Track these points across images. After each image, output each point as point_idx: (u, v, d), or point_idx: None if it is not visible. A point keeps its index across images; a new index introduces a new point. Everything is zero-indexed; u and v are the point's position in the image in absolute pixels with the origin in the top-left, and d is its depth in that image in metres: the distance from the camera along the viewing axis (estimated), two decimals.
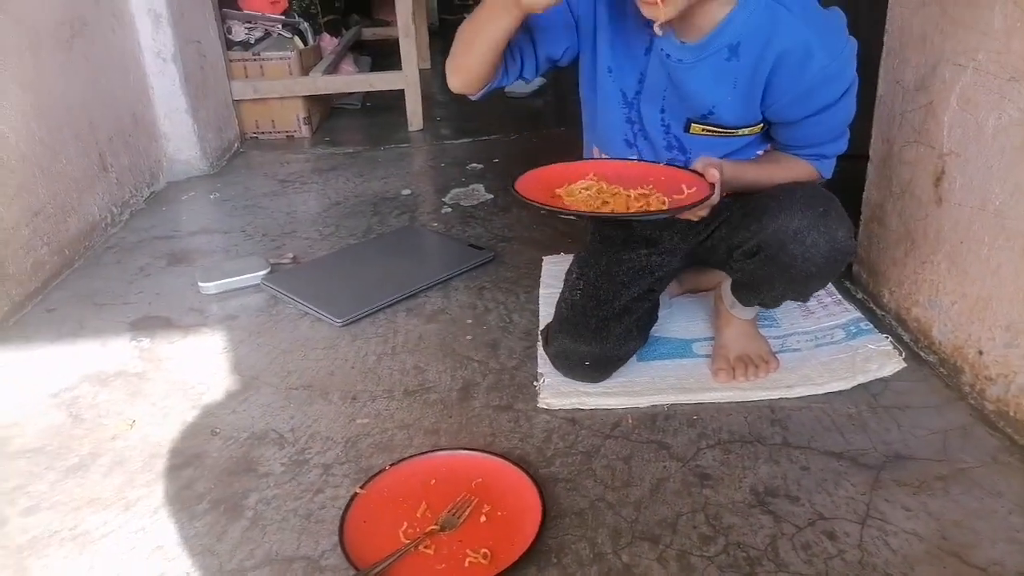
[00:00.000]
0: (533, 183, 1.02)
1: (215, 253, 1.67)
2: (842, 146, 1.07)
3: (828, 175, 1.09)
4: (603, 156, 1.13)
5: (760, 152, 1.10)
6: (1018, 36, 0.91)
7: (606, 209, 0.97)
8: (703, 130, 1.05)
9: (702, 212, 0.99)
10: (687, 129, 1.06)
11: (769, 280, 1.03)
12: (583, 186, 1.02)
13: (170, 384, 1.19)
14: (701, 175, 0.97)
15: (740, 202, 1.07)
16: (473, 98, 1.09)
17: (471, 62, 1.02)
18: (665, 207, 0.96)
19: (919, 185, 1.15)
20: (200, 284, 1.47)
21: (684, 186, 0.98)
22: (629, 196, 0.99)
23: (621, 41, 1.05)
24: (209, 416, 1.11)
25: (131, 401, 1.15)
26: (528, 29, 1.05)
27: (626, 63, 1.06)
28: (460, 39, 1.04)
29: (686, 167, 1.02)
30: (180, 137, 2.12)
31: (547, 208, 0.98)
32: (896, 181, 1.21)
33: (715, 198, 0.96)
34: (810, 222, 0.95)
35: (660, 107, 1.07)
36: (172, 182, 2.11)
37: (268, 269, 1.51)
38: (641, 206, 0.97)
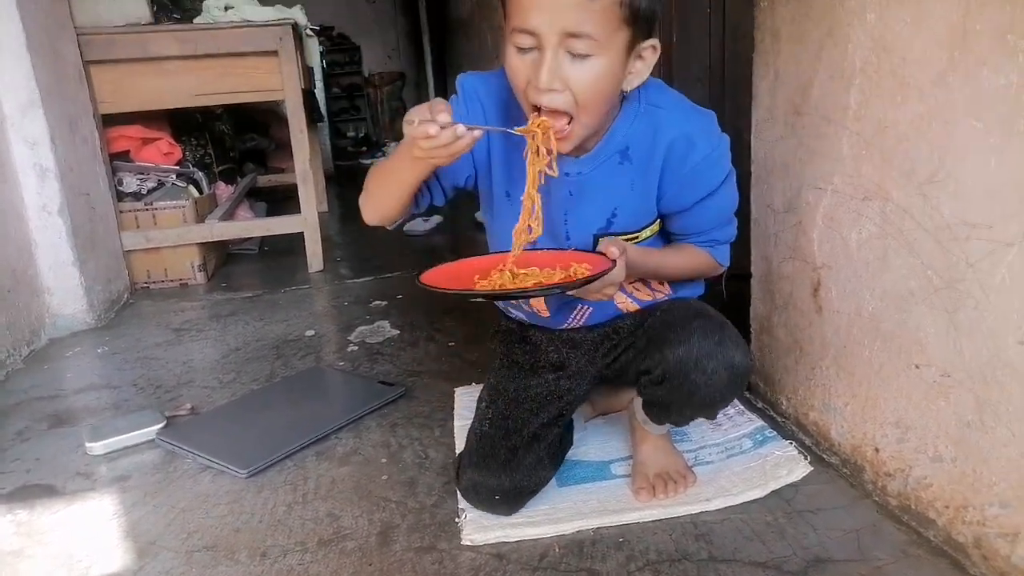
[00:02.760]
0: (442, 277, 1.00)
1: (104, 410, 1.57)
2: (732, 232, 1.14)
3: (725, 262, 1.16)
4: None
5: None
6: (865, 162, 1.04)
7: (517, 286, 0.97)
8: None
9: (609, 291, 1.00)
10: (594, 248, 1.09)
11: (678, 404, 1.07)
12: (497, 275, 1.01)
13: (52, 560, 1.07)
14: (604, 255, 0.99)
15: (644, 328, 1.12)
16: (389, 228, 1.14)
17: (386, 202, 1.07)
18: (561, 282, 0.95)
19: (799, 297, 1.24)
20: (87, 445, 1.37)
21: (587, 266, 0.99)
22: (539, 276, 0.99)
23: (517, 167, 1.07)
24: None
25: None
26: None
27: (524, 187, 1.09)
28: (374, 181, 1.08)
29: (589, 250, 1.05)
30: (65, 291, 2.03)
31: (454, 292, 0.95)
32: (779, 294, 1.31)
33: (617, 274, 0.97)
34: (708, 351, 1.00)
35: (564, 232, 1.10)
36: (55, 338, 2.00)
37: (163, 423, 1.42)
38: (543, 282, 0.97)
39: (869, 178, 1.03)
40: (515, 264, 1.02)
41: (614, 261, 0.96)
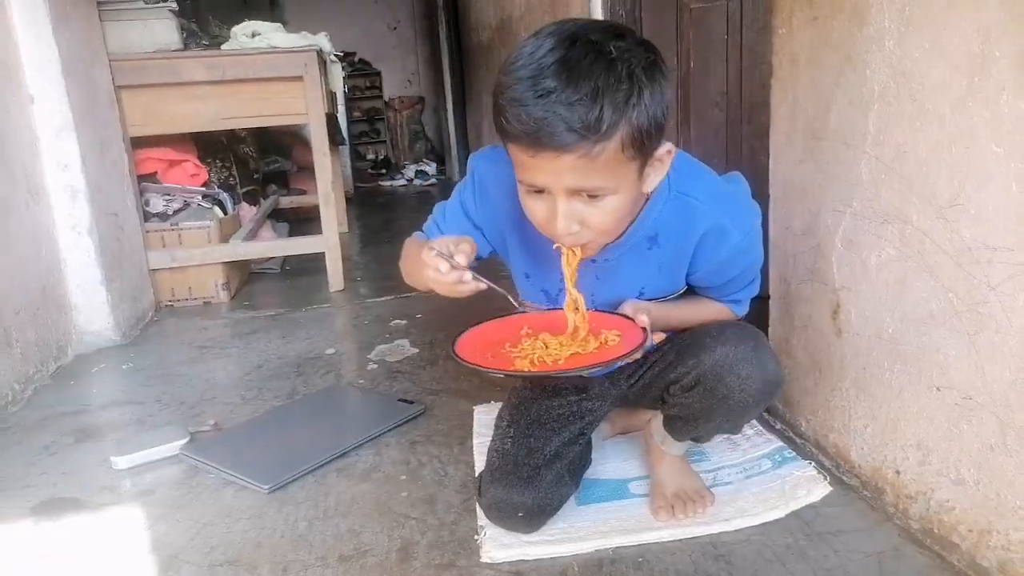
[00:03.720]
0: (473, 344, 1.04)
1: (128, 426, 1.59)
2: (754, 290, 1.16)
3: (742, 313, 1.18)
4: (529, 307, 1.16)
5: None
6: (884, 185, 1.05)
7: (551, 362, 0.99)
8: None
9: (636, 355, 1.01)
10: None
11: (708, 412, 1.07)
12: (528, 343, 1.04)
13: (78, 572, 1.09)
14: (631, 319, 1.01)
15: (672, 343, 1.12)
16: None
17: (416, 280, 1.08)
18: (598, 360, 0.98)
19: (819, 318, 1.24)
20: (112, 459, 1.39)
21: (616, 332, 1.01)
22: (573, 347, 1.01)
23: (535, 248, 1.09)
24: None
25: None
26: None
27: (545, 267, 1.10)
28: (405, 260, 1.14)
29: (615, 312, 1.05)
30: (92, 308, 2.07)
31: (491, 372, 0.99)
32: (797, 316, 1.31)
33: (649, 342, 0.99)
34: (744, 355, 1.02)
35: (591, 304, 1.09)
36: (81, 355, 2.03)
37: (187, 438, 1.45)
38: (578, 362, 0.99)
39: (888, 202, 1.04)
40: (540, 329, 1.06)
41: (645, 329, 0.98)
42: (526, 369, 0.98)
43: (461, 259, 0.94)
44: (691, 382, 1.06)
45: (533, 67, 0.85)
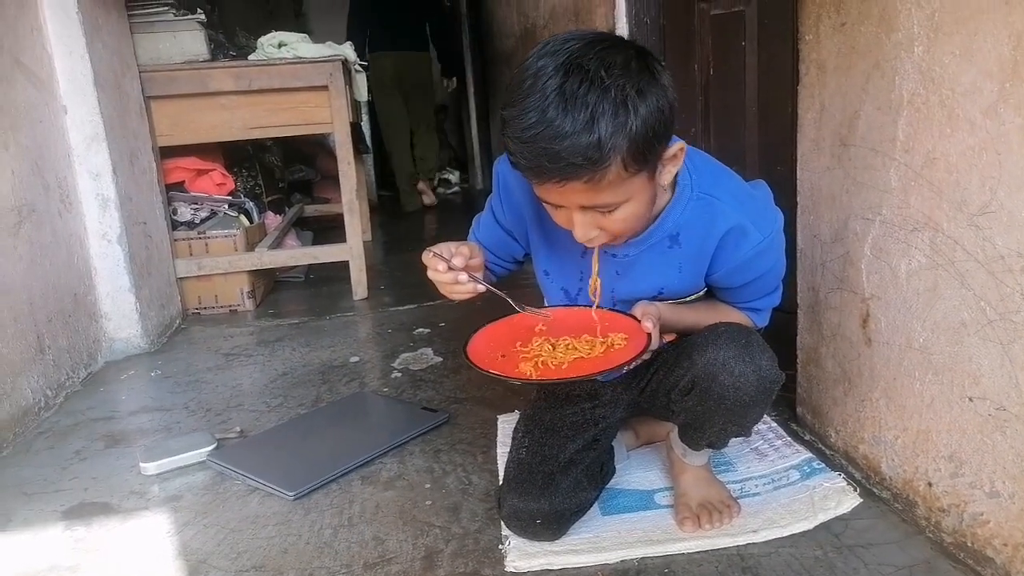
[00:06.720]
0: (485, 344, 1.05)
1: (157, 432, 1.61)
2: (775, 300, 1.15)
3: (763, 324, 1.17)
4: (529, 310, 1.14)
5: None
6: (914, 192, 1.03)
7: (554, 366, 1.00)
8: None
9: (644, 355, 1.02)
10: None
11: (709, 415, 1.06)
12: (537, 342, 1.06)
13: None
14: (637, 319, 1.03)
15: (673, 345, 1.12)
16: None
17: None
18: (602, 367, 0.99)
19: (848, 328, 1.23)
20: (141, 465, 1.41)
21: (623, 336, 1.02)
22: (579, 350, 1.02)
23: (554, 247, 1.13)
24: None
25: None
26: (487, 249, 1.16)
27: (564, 266, 1.14)
28: None
29: (626, 312, 1.06)
30: (121, 316, 2.10)
31: (494, 375, 0.99)
32: (826, 325, 1.30)
33: (653, 346, 1.00)
34: (736, 353, 1.01)
35: (611, 299, 1.11)
36: (111, 362, 2.07)
37: (214, 445, 1.46)
38: (582, 368, 1.00)
39: (918, 209, 1.03)
40: (552, 329, 1.07)
41: (649, 335, 0.99)
42: (528, 374, 0.99)
43: (458, 261, 0.99)
44: (687, 385, 1.05)
45: (531, 101, 0.85)
